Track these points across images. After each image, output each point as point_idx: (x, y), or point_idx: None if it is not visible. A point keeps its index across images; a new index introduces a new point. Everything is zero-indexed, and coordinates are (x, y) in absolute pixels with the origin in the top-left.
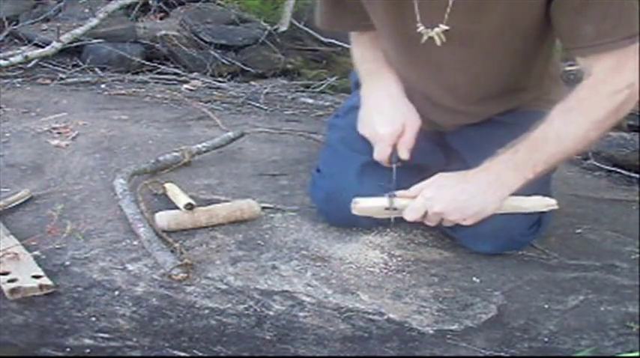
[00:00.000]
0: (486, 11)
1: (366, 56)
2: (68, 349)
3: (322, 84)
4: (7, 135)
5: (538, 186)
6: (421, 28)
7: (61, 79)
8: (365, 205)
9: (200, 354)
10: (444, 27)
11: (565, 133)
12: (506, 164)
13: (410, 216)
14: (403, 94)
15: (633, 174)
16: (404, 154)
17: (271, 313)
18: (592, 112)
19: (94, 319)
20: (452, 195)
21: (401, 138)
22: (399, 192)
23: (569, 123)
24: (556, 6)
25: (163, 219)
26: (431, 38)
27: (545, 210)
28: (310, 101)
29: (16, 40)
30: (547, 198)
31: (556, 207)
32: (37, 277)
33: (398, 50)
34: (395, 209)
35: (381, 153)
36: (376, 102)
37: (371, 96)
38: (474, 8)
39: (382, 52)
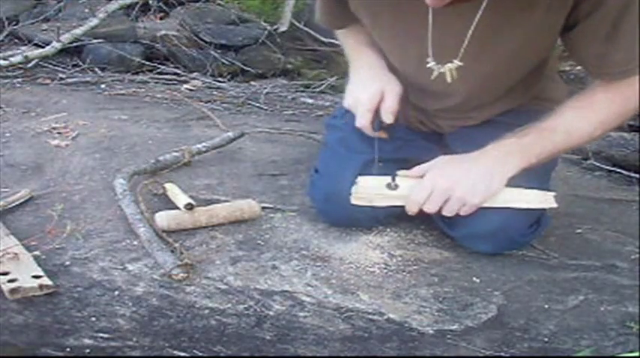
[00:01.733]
0: (500, 43)
1: (350, 32)
2: (68, 349)
3: (322, 84)
4: (7, 135)
5: (538, 185)
6: (432, 64)
7: (61, 79)
8: (366, 182)
9: (200, 354)
10: (457, 63)
11: (575, 128)
12: (513, 146)
13: (417, 195)
14: (384, 66)
15: (633, 174)
16: (387, 117)
17: (271, 313)
18: (602, 113)
19: (94, 319)
20: (459, 172)
21: (382, 104)
22: (400, 172)
23: (580, 120)
24: (578, 36)
25: (163, 219)
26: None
27: (544, 205)
28: (310, 101)
29: (16, 40)
30: (546, 192)
31: (555, 205)
32: (37, 277)
33: (402, 68)
34: (396, 186)
35: (362, 118)
36: (358, 75)
37: (354, 72)
38: (486, 41)
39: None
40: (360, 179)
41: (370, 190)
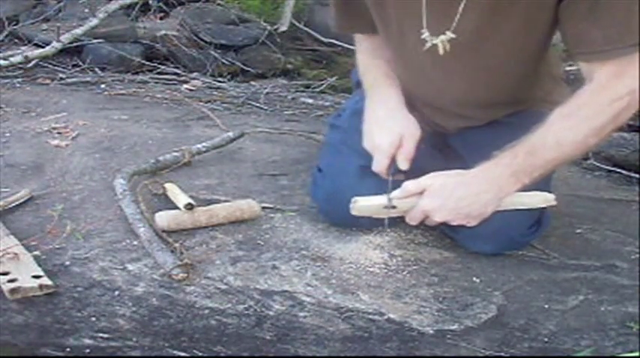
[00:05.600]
0: (499, 20)
1: (368, 66)
2: (68, 349)
3: (322, 84)
4: (7, 135)
5: (538, 185)
6: (426, 35)
7: (61, 79)
8: (364, 204)
9: (200, 354)
10: (450, 35)
11: (564, 139)
12: (504, 168)
13: (413, 219)
14: (403, 106)
15: (633, 174)
16: (403, 165)
17: (271, 313)
18: (592, 118)
19: (94, 319)
20: (452, 204)
21: (400, 149)
22: (395, 194)
23: (569, 129)
24: (564, 10)
25: (163, 219)
26: (435, 45)
27: (543, 205)
28: (310, 101)
29: (16, 40)
30: (546, 194)
31: (554, 203)
32: (37, 277)
33: (404, 57)
34: (393, 207)
35: (378, 165)
36: (375, 115)
37: (371, 110)
38: (486, 17)
39: (384, 60)
40: (357, 200)
41: (368, 211)
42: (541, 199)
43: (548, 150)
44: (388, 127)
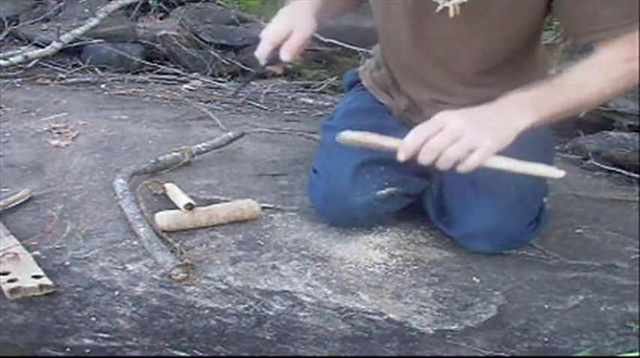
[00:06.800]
0: None
1: None
2: (68, 349)
3: (322, 84)
4: (7, 135)
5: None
6: None
7: (61, 78)
8: (352, 135)
9: (200, 354)
10: None
11: (584, 83)
12: (524, 98)
13: (422, 132)
14: (309, 9)
15: (633, 174)
16: (285, 55)
17: (271, 313)
18: (609, 70)
19: (94, 319)
20: (469, 117)
21: (287, 41)
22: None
23: (588, 75)
24: None
25: (163, 219)
26: (445, 9)
27: (549, 175)
28: (310, 101)
29: (16, 40)
30: (554, 168)
31: (561, 174)
32: (37, 277)
33: (397, 26)
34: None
35: (259, 50)
36: (281, 10)
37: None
38: None
39: None
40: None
41: (355, 138)
42: (548, 170)
43: (569, 89)
44: (282, 20)
